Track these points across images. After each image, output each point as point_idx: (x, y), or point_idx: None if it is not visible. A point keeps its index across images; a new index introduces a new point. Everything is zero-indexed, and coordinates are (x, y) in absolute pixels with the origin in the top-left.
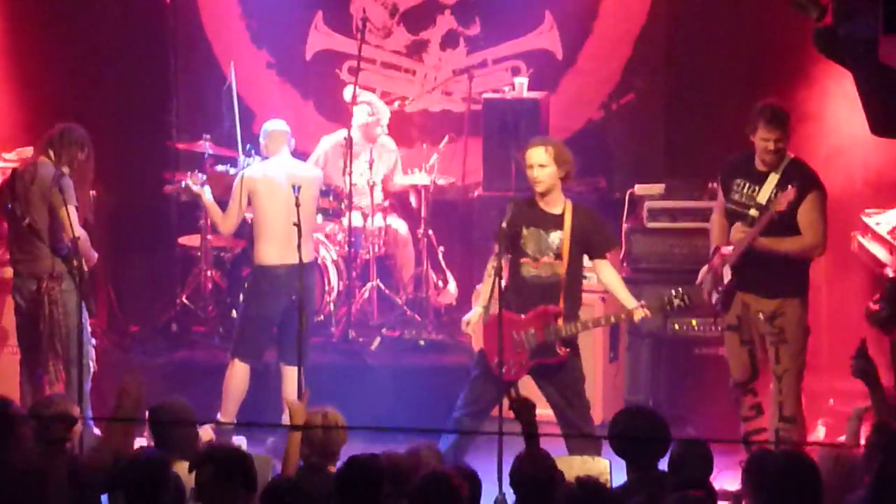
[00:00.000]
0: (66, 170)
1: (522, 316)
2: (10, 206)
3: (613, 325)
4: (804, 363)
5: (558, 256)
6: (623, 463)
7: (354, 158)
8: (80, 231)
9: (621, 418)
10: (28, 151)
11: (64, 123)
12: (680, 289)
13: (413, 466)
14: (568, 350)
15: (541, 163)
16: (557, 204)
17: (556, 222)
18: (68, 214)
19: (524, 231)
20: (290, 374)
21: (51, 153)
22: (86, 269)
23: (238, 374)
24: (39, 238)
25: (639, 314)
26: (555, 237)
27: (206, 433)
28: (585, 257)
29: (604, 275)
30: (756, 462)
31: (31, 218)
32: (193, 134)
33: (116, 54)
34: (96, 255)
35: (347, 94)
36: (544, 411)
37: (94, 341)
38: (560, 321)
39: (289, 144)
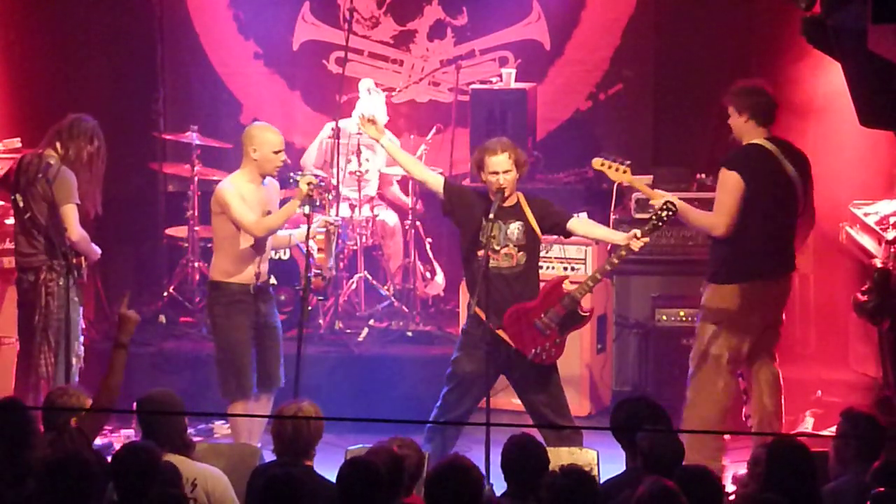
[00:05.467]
0: (53, 161)
1: (533, 303)
2: (14, 198)
3: (617, 266)
4: (707, 354)
5: (520, 248)
6: (612, 454)
7: (352, 150)
8: (79, 232)
9: (624, 407)
10: (14, 143)
11: (75, 114)
12: (662, 201)
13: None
14: (592, 308)
15: (506, 169)
16: (512, 197)
17: (513, 213)
18: (67, 212)
19: (483, 222)
20: None
21: (58, 145)
22: (85, 267)
23: None
24: (40, 232)
25: (636, 244)
26: (514, 227)
27: (220, 429)
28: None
29: (583, 229)
30: (755, 456)
31: (33, 212)
32: (180, 125)
33: (103, 44)
34: (98, 252)
35: (363, 86)
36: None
37: (82, 338)
38: (568, 286)
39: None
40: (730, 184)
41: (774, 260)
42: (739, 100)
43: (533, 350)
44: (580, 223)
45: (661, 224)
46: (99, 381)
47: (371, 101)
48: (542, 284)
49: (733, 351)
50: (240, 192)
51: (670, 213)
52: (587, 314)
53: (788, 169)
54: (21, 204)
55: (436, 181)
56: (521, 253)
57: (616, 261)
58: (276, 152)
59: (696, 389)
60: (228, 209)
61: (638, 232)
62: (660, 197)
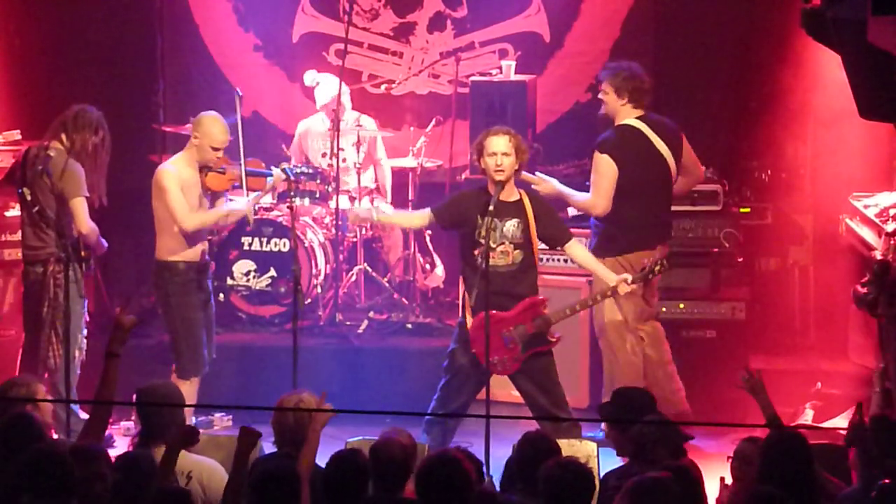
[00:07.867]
0: (54, 153)
1: (508, 313)
2: (21, 191)
3: (599, 303)
4: (609, 322)
5: (516, 245)
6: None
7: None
8: (90, 225)
9: (616, 398)
10: (14, 135)
11: (79, 105)
12: (658, 258)
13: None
14: (559, 336)
15: (504, 151)
16: (513, 192)
17: (511, 210)
18: (77, 206)
19: (478, 220)
20: None
21: (63, 137)
22: (93, 259)
23: None
24: (49, 225)
25: (623, 288)
26: (510, 225)
27: (220, 422)
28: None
29: (580, 257)
30: (739, 451)
31: (41, 206)
32: (180, 117)
33: (103, 36)
34: (105, 245)
35: (308, 78)
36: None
37: (85, 331)
38: (546, 310)
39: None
40: (603, 166)
41: (651, 231)
42: (620, 82)
43: (491, 359)
44: (578, 250)
45: (650, 277)
46: (96, 374)
47: (329, 84)
48: (541, 278)
49: (628, 314)
50: (180, 177)
51: (663, 268)
52: (553, 341)
53: (659, 146)
54: (29, 197)
55: (427, 217)
56: (517, 251)
57: (600, 298)
58: (215, 149)
59: (608, 355)
60: (165, 194)
61: (629, 277)
62: (542, 181)
